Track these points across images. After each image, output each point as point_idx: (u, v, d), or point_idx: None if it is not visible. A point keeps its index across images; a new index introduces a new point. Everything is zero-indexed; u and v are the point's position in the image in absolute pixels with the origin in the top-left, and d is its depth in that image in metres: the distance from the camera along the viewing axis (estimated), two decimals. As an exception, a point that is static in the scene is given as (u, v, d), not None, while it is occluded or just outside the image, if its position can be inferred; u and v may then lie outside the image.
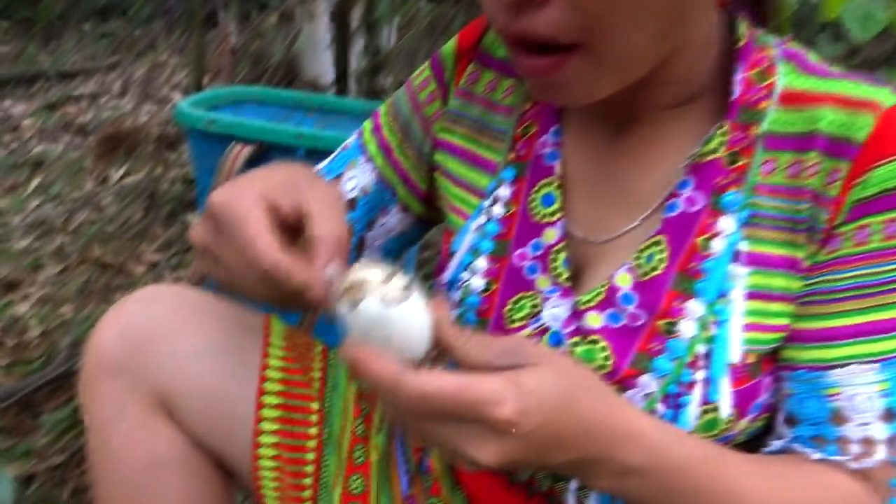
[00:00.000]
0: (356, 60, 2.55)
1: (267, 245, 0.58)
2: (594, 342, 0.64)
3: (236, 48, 2.69)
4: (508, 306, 0.69)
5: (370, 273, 0.52)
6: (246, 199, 0.61)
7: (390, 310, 0.51)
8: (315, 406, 0.81)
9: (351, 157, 0.85)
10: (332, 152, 1.48)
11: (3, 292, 2.01)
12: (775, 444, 0.65)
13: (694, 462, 0.58)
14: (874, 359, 0.60)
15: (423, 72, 0.81)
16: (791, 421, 0.64)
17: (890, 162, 0.58)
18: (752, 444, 0.66)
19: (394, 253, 0.89)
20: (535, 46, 0.55)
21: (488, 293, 0.70)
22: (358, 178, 0.83)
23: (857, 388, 0.60)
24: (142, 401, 0.75)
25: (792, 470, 0.62)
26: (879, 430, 0.60)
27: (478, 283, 0.71)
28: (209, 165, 1.56)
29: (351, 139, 0.87)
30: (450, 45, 0.79)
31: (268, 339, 0.81)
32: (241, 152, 1.48)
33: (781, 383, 0.64)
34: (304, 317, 1.46)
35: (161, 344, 0.76)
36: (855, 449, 0.61)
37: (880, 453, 0.60)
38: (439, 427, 0.52)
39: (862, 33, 1.86)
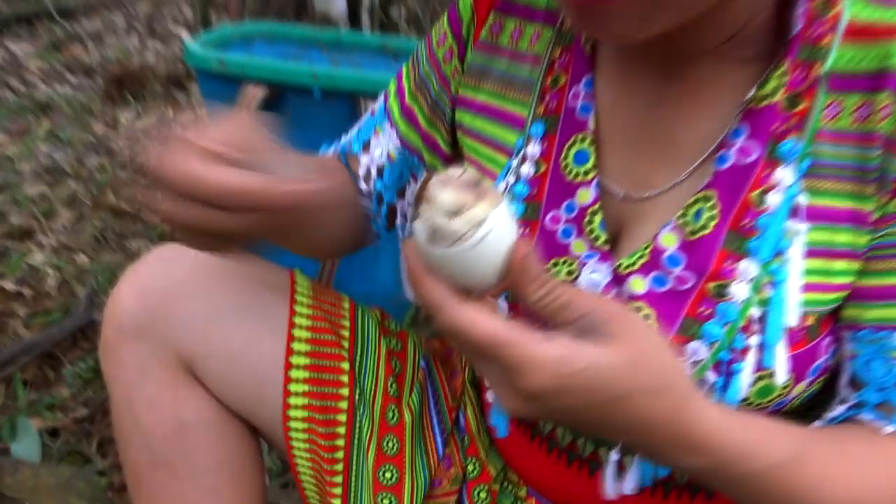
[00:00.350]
0: (368, -8, 2.45)
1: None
2: (638, 309, 0.59)
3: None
4: None
5: (446, 197, 0.46)
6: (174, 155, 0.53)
7: (453, 247, 0.46)
8: (345, 366, 0.78)
9: (377, 122, 0.81)
10: (347, 91, 1.44)
11: (18, 241, 1.99)
12: (839, 409, 0.61)
13: (764, 470, 0.53)
14: None
15: (440, 26, 0.75)
16: (856, 384, 0.60)
17: None
18: (808, 404, 0.62)
19: None
20: None
21: None
22: (383, 145, 0.79)
23: None
24: (165, 364, 0.73)
25: (866, 450, 0.58)
26: None
27: None
28: (221, 107, 1.50)
29: (378, 102, 0.82)
30: None
31: (294, 296, 0.78)
32: (255, 93, 1.42)
33: (844, 344, 0.60)
34: (324, 269, 1.44)
35: (182, 306, 0.73)
36: None
37: None
38: (472, 355, 0.49)
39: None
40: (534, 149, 0.66)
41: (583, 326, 0.47)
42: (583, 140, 0.64)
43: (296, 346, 0.76)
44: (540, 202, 0.65)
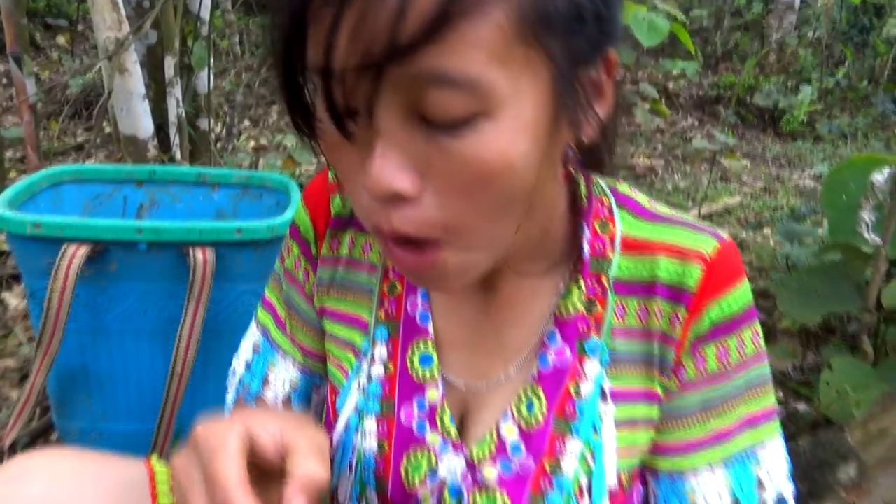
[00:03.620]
0: (174, 110, 2.45)
1: (233, 481, 0.53)
2: (493, 492, 0.69)
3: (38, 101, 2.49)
4: (404, 464, 0.71)
5: None
6: (225, 432, 0.56)
7: None
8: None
9: (267, 357, 0.84)
10: (175, 243, 1.44)
11: None
12: None
13: None
14: (718, 462, 0.70)
15: (291, 250, 0.82)
16: None
17: (717, 301, 0.68)
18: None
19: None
20: (405, 240, 0.56)
21: (383, 454, 0.72)
22: (284, 376, 0.83)
23: (709, 487, 0.70)
24: None
25: None
26: None
27: (370, 444, 0.73)
28: (38, 267, 1.45)
29: (256, 336, 0.86)
30: (303, 218, 0.80)
31: (154, 491, 0.74)
32: (76, 252, 1.39)
33: (648, 486, 0.74)
34: (156, 440, 1.38)
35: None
36: None
37: None
38: None
39: (648, 41, 2.07)
40: (381, 351, 0.74)
41: None
42: (425, 344, 0.73)
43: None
44: (393, 400, 0.73)
